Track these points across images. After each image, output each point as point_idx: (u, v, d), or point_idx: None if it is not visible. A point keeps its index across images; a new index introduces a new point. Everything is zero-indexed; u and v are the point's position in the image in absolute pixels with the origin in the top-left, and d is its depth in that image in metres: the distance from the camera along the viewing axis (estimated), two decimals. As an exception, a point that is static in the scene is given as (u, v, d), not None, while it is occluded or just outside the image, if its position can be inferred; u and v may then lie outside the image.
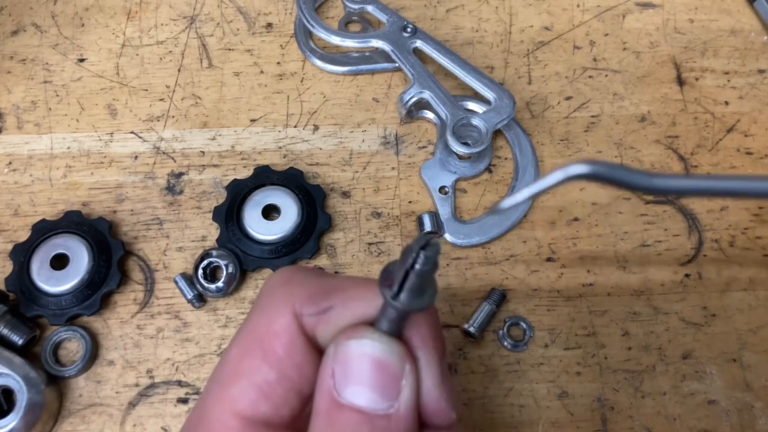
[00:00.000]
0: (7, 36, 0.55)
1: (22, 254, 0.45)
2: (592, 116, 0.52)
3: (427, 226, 0.47)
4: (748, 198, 0.47)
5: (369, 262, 0.47)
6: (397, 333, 0.25)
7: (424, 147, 0.51)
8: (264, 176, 0.48)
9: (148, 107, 0.52)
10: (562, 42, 0.55)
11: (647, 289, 0.46)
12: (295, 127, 0.51)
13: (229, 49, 0.54)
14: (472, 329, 0.44)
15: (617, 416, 0.43)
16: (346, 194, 0.49)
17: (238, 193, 0.47)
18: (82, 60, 0.54)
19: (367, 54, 0.54)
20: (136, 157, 0.50)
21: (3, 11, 0.56)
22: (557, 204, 0.49)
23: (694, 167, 0.50)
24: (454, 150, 0.47)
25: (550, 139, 0.51)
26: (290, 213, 0.47)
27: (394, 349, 0.25)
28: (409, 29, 0.51)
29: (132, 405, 0.43)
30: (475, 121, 0.48)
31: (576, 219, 0.49)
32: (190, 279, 0.45)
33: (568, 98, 0.53)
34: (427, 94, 0.49)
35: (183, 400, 0.43)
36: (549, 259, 0.47)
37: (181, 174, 0.50)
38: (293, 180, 0.48)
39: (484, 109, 0.49)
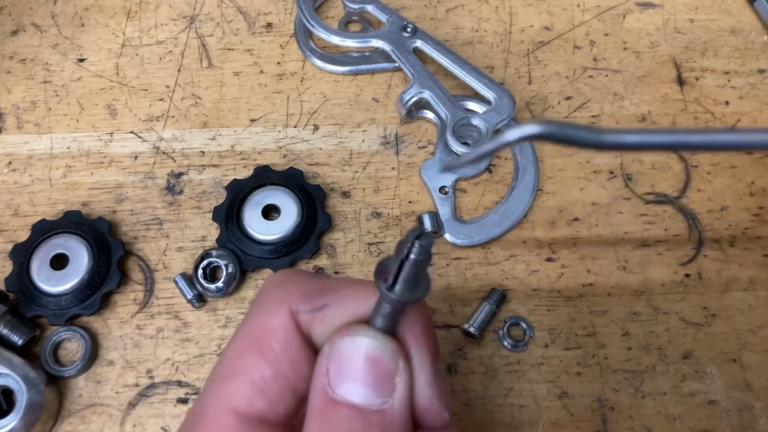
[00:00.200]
0: (7, 36, 0.55)
1: (22, 254, 0.45)
2: (593, 116, 0.52)
3: (428, 226, 0.47)
4: (702, 151, 0.48)
5: (369, 262, 0.47)
6: (392, 330, 0.26)
7: (424, 147, 0.51)
8: (264, 176, 0.48)
9: (147, 107, 0.52)
10: (562, 42, 0.55)
11: (647, 289, 0.46)
12: (295, 127, 0.51)
13: (229, 49, 0.54)
14: (472, 329, 0.44)
15: (617, 416, 0.43)
16: (346, 194, 0.49)
17: (238, 193, 0.47)
18: (81, 60, 0.54)
19: (367, 54, 0.54)
20: (135, 157, 0.50)
21: (3, 11, 0.56)
22: (557, 204, 0.49)
23: (694, 167, 0.50)
24: (454, 150, 0.47)
25: (550, 139, 0.51)
26: (290, 213, 0.47)
27: (388, 345, 0.25)
28: (409, 29, 0.51)
29: (132, 405, 0.43)
30: (475, 121, 0.48)
31: (576, 219, 0.49)
32: (190, 279, 0.45)
33: (569, 98, 0.53)
34: (427, 94, 0.49)
35: (183, 401, 0.43)
36: (549, 259, 0.47)
37: (180, 174, 0.50)
38: (293, 180, 0.48)
39: (484, 109, 0.49)
